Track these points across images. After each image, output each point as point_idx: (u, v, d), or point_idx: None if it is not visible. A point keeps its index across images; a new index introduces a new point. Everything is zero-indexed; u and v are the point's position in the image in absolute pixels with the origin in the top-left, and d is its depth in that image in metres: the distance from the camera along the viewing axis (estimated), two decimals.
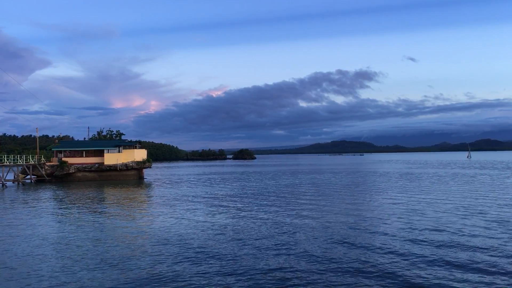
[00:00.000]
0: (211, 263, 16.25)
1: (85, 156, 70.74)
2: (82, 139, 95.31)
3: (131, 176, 71.39)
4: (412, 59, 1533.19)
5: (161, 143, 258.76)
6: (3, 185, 58.96)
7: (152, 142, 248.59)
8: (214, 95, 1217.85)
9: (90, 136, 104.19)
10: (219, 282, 13.99)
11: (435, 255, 16.86)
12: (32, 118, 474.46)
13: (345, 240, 19.85)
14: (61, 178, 67.53)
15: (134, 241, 20.41)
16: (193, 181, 66.06)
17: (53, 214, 30.46)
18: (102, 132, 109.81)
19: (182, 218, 27.33)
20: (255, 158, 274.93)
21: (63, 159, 69.34)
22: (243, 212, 29.71)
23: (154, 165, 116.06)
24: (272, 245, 19.15)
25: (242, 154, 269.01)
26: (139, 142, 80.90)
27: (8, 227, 25.18)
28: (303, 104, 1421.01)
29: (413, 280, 13.89)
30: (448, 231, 21.50)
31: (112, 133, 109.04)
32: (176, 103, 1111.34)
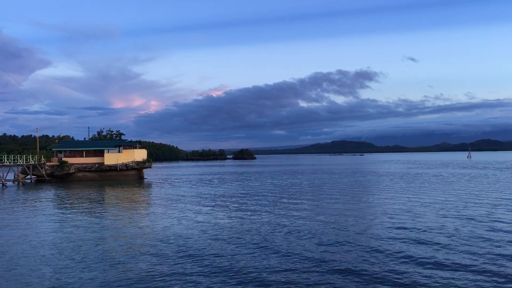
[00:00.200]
0: (211, 263, 16.25)
1: (85, 156, 70.76)
2: (82, 139, 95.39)
3: (131, 176, 71.42)
4: (413, 59, 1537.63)
5: (161, 143, 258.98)
6: (3, 185, 59.00)
7: (152, 142, 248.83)
8: (214, 95, 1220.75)
9: (90, 136, 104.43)
10: (219, 282, 14.01)
11: (435, 255, 16.86)
12: (32, 118, 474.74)
13: (345, 240, 19.86)
14: (61, 178, 67.56)
15: (135, 241, 20.42)
16: (193, 181, 66.08)
17: (53, 214, 30.47)
18: (102, 132, 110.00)
19: (182, 218, 27.35)
20: (255, 158, 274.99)
21: (63, 159, 69.38)
22: (243, 212, 29.72)
23: (154, 165, 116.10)
24: (272, 245, 19.16)
25: (242, 154, 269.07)
26: (139, 142, 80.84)
27: (8, 227, 25.20)
28: (303, 104, 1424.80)
29: (413, 280, 13.90)
30: (448, 231, 21.51)
31: (112, 133, 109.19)
32: (176, 103, 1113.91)
